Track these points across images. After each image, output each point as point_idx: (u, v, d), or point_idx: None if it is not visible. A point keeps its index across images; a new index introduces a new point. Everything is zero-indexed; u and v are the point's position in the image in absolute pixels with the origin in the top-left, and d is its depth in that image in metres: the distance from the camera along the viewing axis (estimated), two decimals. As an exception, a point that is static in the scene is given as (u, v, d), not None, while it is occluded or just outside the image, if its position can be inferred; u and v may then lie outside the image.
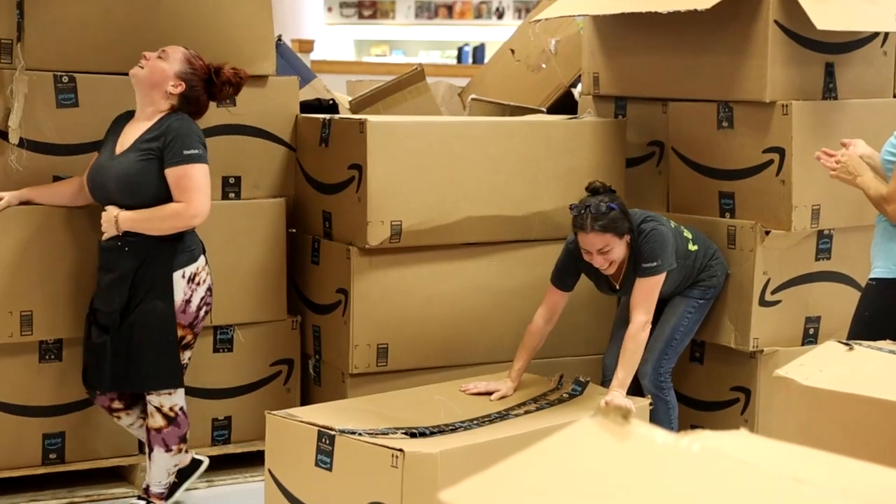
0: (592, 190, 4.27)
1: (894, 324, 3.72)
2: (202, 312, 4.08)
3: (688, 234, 4.49)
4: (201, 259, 4.08)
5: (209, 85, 4.13)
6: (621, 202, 4.26)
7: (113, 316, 4.01)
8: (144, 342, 3.99)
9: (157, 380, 4.07)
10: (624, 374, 4.13)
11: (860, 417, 2.33)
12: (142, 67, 4.06)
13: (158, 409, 4.09)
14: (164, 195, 3.99)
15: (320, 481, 3.73)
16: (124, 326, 4.00)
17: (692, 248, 4.47)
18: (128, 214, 3.97)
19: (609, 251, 4.17)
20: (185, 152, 3.95)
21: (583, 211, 4.17)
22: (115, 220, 3.97)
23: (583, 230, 4.17)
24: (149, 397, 4.12)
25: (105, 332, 4.03)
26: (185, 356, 4.09)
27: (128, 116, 4.13)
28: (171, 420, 4.10)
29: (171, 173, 3.96)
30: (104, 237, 4.02)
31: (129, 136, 4.06)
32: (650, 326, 4.24)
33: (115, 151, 4.05)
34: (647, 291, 4.22)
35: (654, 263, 4.22)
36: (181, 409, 4.12)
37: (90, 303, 4.12)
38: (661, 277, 4.25)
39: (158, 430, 4.11)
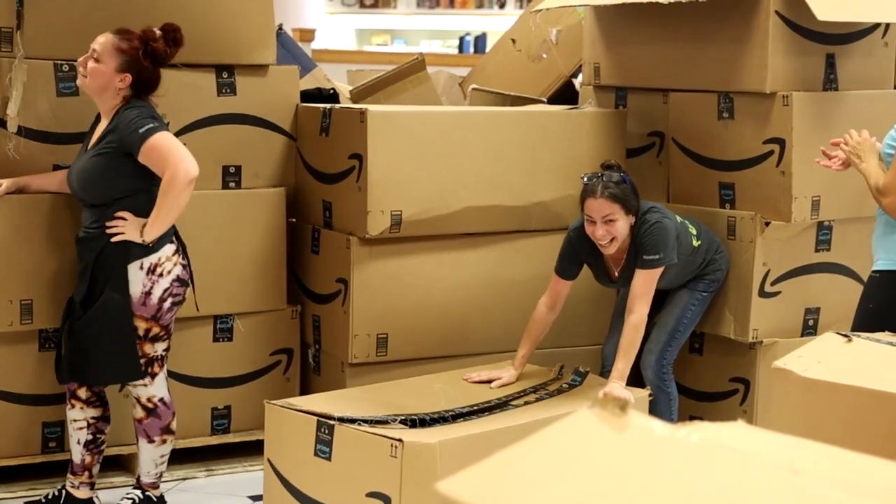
0: (606, 166, 4.28)
1: (891, 314, 3.72)
2: (167, 304, 4.01)
3: (693, 229, 4.48)
4: (166, 249, 4.00)
5: (152, 58, 4.03)
6: (633, 183, 4.27)
7: (76, 307, 4.02)
8: (100, 334, 3.97)
9: (112, 373, 4.08)
10: (623, 364, 4.14)
11: (858, 409, 2.33)
12: (85, 76, 4.01)
13: (137, 401, 4.11)
14: (123, 187, 3.97)
15: (319, 471, 3.74)
16: (84, 318, 3.99)
17: (696, 244, 4.46)
18: (147, 227, 3.94)
19: (613, 222, 4.17)
20: (140, 131, 3.90)
21: (595, 178, 4.20)
22: (140, 236, 3.94)
23: (592, 195, 4.18)
24: (128, 388, 4.14)
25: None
26: (158, 348, 4.05)
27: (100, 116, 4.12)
28: (150, 411, 4.10)
29: (142, 157, 3.93)
30: (116, 238, 3.97)
31: (95, 135, 4.06)
32: (646, 318, 4.24)
33: (85, 152, 4.08)
34: (647, 283, 4.22)
35: (656, 256, 4.22)
36: (160, 399, 4.11)
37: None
38: (661, 270, 4.25)
39: (140, 421, 4.13)
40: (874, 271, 3.90)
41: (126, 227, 3.95)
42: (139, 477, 4.20)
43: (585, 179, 4.24)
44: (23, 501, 4.24)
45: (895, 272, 3.80)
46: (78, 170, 4.03)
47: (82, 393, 4.12)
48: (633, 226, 4.25)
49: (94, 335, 3.97)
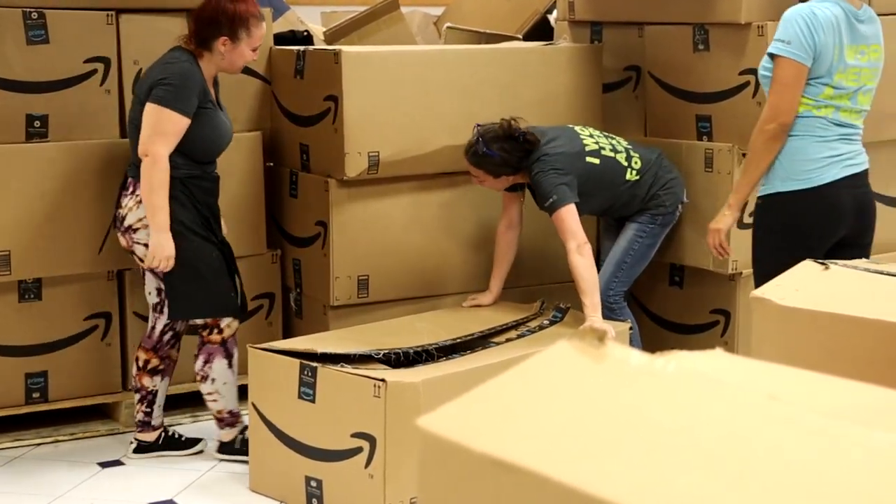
0: (502, 127, 4.36)
1: (777, 238, 3.84)
2: None
3: (636, 163, 4.50)
4: None
5: None
6: (509, 150, 4.32)
7: (226, 247, 4.23)
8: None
9: None
10: (589, 299, 4.20)
11: (836, 336, 2.34)
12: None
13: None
14: None
15: (304, 413, 3.75)
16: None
17: (632, 177, 4.50)
18: None
19: (482, 182, 4.41)
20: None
21: (472, 141, 4.36)
22: None
23: (465, 154, 4.37)
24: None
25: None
26: None
27: (199, 72, 4.08)
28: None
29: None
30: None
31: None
32: (588, 246, 4.27)
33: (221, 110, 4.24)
34: (560, 223, 4.29)
35: (550, 200, 4.29)
36: None
37: (215, 232, 4.16)
38: (569, 207, 4.29)
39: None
40: (758, 197, 3.95)
41: None
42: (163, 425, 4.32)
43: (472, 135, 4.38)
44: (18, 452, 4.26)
45: (769, 196, 3.86)
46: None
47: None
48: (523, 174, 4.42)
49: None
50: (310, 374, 3.71)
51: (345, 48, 4.58)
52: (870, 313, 2.34)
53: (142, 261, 4.06)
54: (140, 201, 3.99)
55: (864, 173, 3.91)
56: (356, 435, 3.62)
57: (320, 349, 3.75)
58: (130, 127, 4.09)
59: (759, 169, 3.82)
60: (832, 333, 2.37)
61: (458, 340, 3.99)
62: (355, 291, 4.60)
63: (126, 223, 4.05)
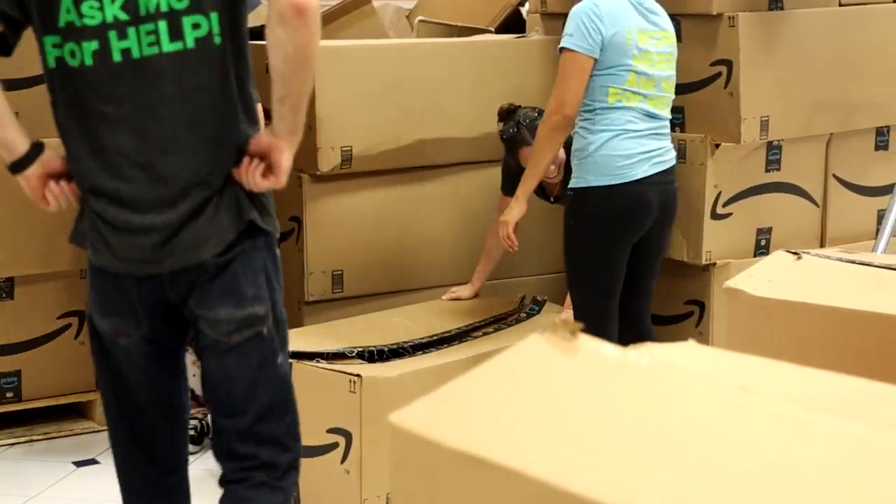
0: (501, 115, 4.38)
1: (589, 228, 3.98)
2: None
3: None
4: None
5: None
6: (525, 117, 4.31)
7: None
8: None
9: None
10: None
11: (809, 325, 2.34)
12: None
13: None
14: None
15: (279, 409, 3.73)
16: None
17: None
18: None
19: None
20: None
21: (503, 131, 4.35)
22: None
23: (526, 143, 4.26)
24: None
25: None
26: None
27: None
28: None
29: None
30: None
31: None
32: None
33: None
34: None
35: None
36: None
37: None
38: None
39: None
40: (570, 189, 4.05)
41: None
42: None
43: (507, 134, 4.34)
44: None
45: (582, 189, 3.97)
46: None
47: None
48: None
49: None
50: (285, 370, 3.70)
51: (316, 43, 4.56)
52: (843, 303, 2.34)
53: None
54: None
55: (672, 169, 4.07)
56: (332, 430, 3.61)
57: (293, 348, 3.74)
58: None
59: (545, 160, 3.97)
60: (806, 323, 2.37)
61: (435, 338, 3.98)
62: (330, 287, 4.59)
63: None
